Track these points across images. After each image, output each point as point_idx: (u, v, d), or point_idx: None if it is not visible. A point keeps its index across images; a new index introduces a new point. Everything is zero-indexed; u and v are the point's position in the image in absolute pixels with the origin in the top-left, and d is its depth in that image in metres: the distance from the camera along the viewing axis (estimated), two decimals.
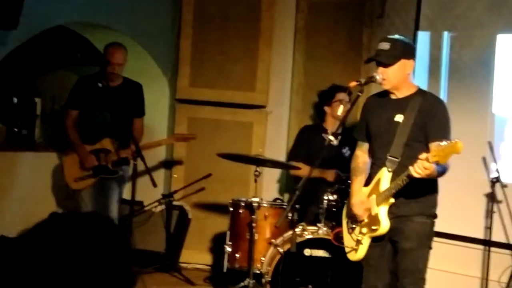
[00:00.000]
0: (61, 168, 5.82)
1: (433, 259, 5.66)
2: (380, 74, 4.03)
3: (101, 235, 1.63)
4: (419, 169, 3.66)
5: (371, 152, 4.24)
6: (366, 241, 4.16)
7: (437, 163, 3.65)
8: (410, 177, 3.78)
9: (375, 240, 4.14)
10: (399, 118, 4.05)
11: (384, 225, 4.02)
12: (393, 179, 4.00)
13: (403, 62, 4.04)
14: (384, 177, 4.04)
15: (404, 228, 4.06)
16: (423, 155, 3.66)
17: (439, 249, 5.74)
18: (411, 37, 5.93)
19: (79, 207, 5.62)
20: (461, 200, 5.72)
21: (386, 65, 4.01)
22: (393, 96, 4.14)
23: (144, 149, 5.57)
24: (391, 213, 4.04)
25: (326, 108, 5.74)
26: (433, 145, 3.81)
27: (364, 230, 4.16)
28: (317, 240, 5.01)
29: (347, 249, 4.30)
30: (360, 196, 4.15)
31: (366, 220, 4.15)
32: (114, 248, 1.63)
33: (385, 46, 4.03)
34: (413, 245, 4.05)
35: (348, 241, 4.31)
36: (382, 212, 4.03)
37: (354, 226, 4.26)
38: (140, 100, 5.87)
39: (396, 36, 4.21)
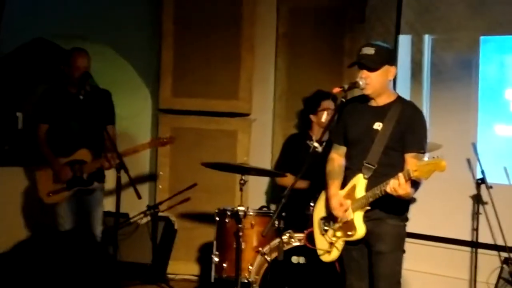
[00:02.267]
0: (34, 183, 5.60)
1: (421, 262, 5.70)
2: (364, 78, 4.03)
3: (82, 252, 1.61)
4: (391, 188, 3.75)
5: (347, 157, 4.25)
6: (339, 245, 4.19)
7: (417, 179, 3.72)
8: (386, 192, 3.83)
9: (350, 243, 4.16)
10: (377, 126, 4.07)
11: (360, 231, 4.05)
12: (368, 185, 4.03)
13: (386, 68, 4.06)
14: (360, 183, 4.07)
15: (379, 231, 4.07)
16: (404, 172, 3.74)
17: (426, 252, 5.76)
18: (393, 41, 5.94)
19: (57, 223, 5.44)
20: (447, 202, 5.73)
21: (371, 69, 4.02)
22: (373, 103, 4.15)
23: (122, 156, 5.40)
24: (365, 216, 4.06)
25: (312, 117, 5.69)
26: (415, 161, 3.86)
27: (339, 234, 4.17)
28: (304, 247, 4.99)
29: (319, 251, 4.33)
30: (339, 199, 4.15)
31: (340, 224, 4.15)
32: (96, 265, 1.61)
33: (370, 51, 4.04)
34: (389, 248, 4.07)
35: (320, 243, 4.33)
36: (358, 218, 4.06)
37: (326, 228, 4.27)
38: (110, 107, 5.69)
39: (380, 42, 4.23)
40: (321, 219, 4.34)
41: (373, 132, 4.06)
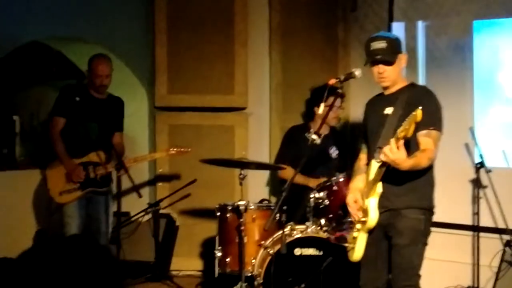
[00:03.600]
0: (45, 182, 5.61)
1: (428, 249, 5.71)
2: (380, 73, 4.04)
3: (86, 257, 1.63)
4: (386, 150, 3.66)
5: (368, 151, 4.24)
6: (362, 238, 4.10)
7: (406, 138, 3.65)
8: (383, 163, 3.78)
9: (371, 236, 4.10)
10: (388, 110, 4.06)
11: (372, 217, 3.97)
12: None
13: (399, 57, 4.09)
14: (373, 168, 4.02)
15: (397, 223, 4.02)
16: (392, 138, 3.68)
17: (433, 239, 5.77)
18: (386, 29, 5.94)
19: (65, 222, 5.46)
20: (447, 188, 5.71)
21: (389, 63, 4.02)
22: (386, 92, 4.16)
23: (137, 162, 5.65)
24: (383, 206, 4.01)
25: (316, 109, 5.65)
26: (427, 139, 3.85)
27: (359, 226, 4.12)
28: (306, 238, 5.00)
29: (348, 249, 4.24)
30: (354, 195, 4.13)
31: (361, 215, 4.12)
32: (100, 269, 1.62)
33: (381, 44, 4.02)
34: (406, 241, 4.01)
35: (348, 239, 4.29)
36: (371, 203, 3.99)
37: (353, 224, 4.22)
38: (121, 115, 5.85)
39: (386, 34, 4.25)
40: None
41: (384, 117, 4.05)
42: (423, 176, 4.01)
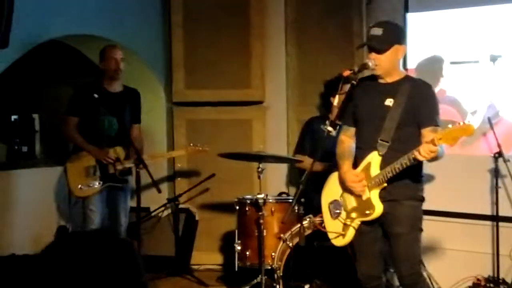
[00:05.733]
0: (65, 174, 5.66)
1: (443, 240, 5.71)
2: (373, 60, 4.02)
3: (108, 251, 1.66)
4: (425, 152, 3.68)
5: (358, 136, 4.23)
6: (355, 225, 4.16)
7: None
8: (415, 160, 3.79)
9: (366, 224, 4.14)
10: (389, 102, 4.05)
11: (378, 209, 4.03)
12: (383, 162, 4.01)
13: (395, 47, 4.04)
14: (374, 161, 4.04)
15: (395, 212, 4.06)
16: (428, 138, 3.69)
17: (448, 229, 5.77)
18: (402, 20, 5.92)
19: (86, 216, 5.52)
20: (465, 178, 5.72)
21: (379, 51, 4.01)
22: (382, 81, 4.13)
23: (155, 158, 5.76)
24: (381, 197, 4.04)
25: (332, 99, 5.67)
26: (434, 134, 3.84)
27: (354, 214, 4.15)
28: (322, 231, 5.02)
29: (331, 235, 4.29)
30: (354, 173, 4.12)
31: (355, 205, 4.15)
32: (122, 263, 1.65)
33: (378, 31, 4.01)
34: (406, 229, 4.05)
35: (332, 226, 4.30)
36: (374, 196, 4.04)
37: (339, 211, 4.25)
38: (138, 107, 5.89)
39: (388, 21, 4.20)
40: (331, 203, 4.32)
41: (385, 109, 4.04)
42: (416, 170, 4.05)
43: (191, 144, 6.12)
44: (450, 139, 3.61)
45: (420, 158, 3.74)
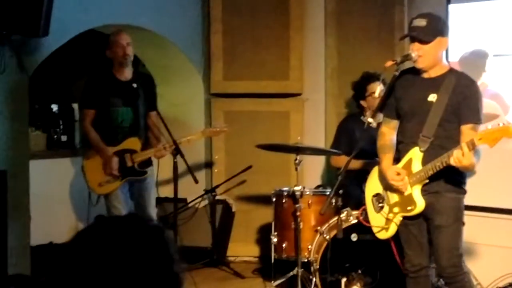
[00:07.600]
0: (83, 174, 5.50)
1: (485, 235, 5.62)
2: (416, 51, 3.96)
3: (141, 237, 1.64)
4: (459, 156, 3.67)
5: (400, 130, 4.19)
6: (397, 220, 4.17)
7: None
8: (447, 164, 3.78)
9: (409, 218, 4.14)
10: (432, 97, 4.00)
11: (420, 206, 4.03)
12: (424, 158, 3.98)
13: (439, 40, 3.99)
14: (416, 157, 4.02)
15: (437, 204, 4.04)
16: (468, 137, 3.69)
17: (489, 224, 5.68)
18: (444, 11, 5.83)
19: (111, 214, 5.29)
20: (507, 173, 5.62)
21: (423, 42, 3.94)
22: (425, 75, 4.08)
23: (170, 145, 5.44)
24: (423, 190, 4.03)
25: (362, 102, 5.64)
26: (473, 132, 3.81)
27: (396, 209, 4.15)
28: (363, 224, 4.96)
29: (375, 229, 4.32)
30: (395, 169, 4.09)
31: (397, 200, 4.13)
32: (155, 250, 1.63)
33: (422, 22, 3.96)
34: (448, 221, 4.03)
35: (376, 220, 4.32)
36: (416, 192, 4.03)
37: (382, 205, 4.26)
38: (153, 93, 5.66)
39: (431, 13, 4.14)
40: (374, 196, 4.32)
41: (428, 104, 4.00)
42: None
43: (210, 126, 6.01)
44: (491, 140, 3.58)
45: (452, 163, 3.73)
